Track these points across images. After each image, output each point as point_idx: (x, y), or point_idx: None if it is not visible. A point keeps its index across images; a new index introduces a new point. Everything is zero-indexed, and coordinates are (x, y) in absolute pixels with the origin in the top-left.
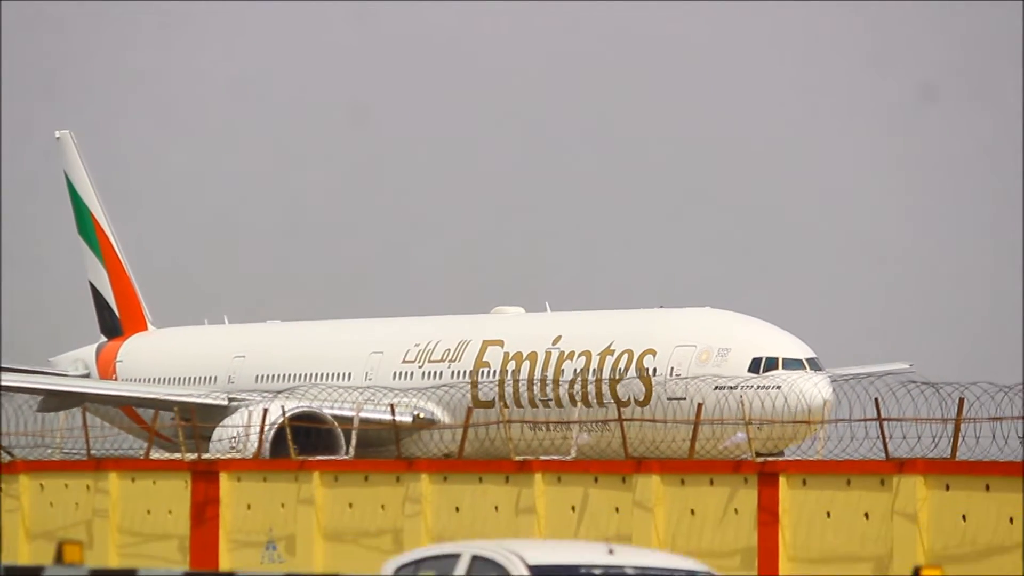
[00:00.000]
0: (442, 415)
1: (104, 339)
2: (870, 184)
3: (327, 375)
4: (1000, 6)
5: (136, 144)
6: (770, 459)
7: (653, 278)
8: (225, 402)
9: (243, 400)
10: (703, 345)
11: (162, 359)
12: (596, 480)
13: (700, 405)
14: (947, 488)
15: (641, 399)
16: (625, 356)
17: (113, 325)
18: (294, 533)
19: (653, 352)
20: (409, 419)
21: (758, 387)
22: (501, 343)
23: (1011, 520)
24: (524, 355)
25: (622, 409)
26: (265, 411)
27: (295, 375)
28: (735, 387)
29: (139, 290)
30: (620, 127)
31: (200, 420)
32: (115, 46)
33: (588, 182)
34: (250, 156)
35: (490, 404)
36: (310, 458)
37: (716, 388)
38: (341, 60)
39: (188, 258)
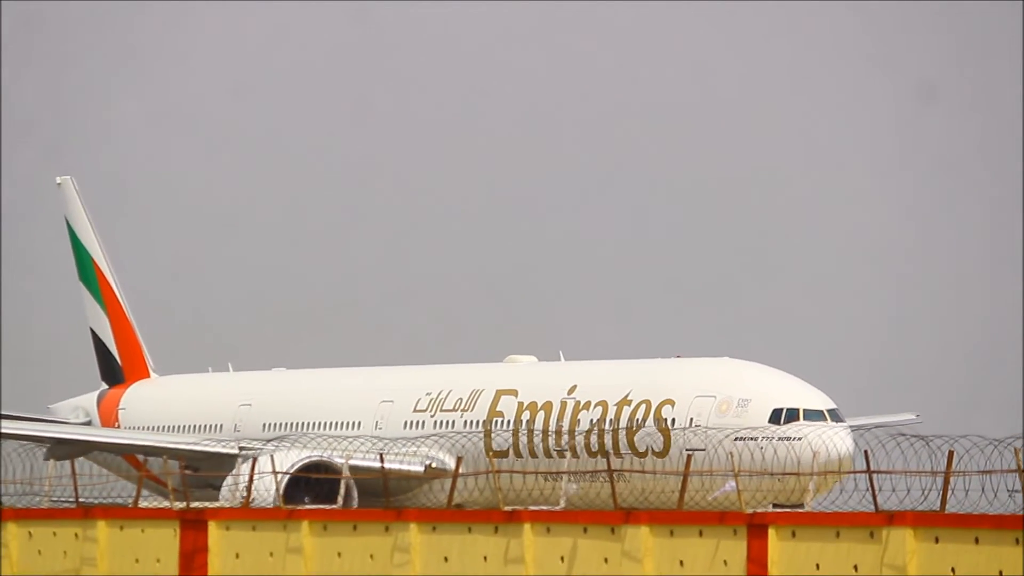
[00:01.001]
0: (454, 465)
1: (105, 386)
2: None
3: (336, 424)
4: (1000, 6)
5: (139, 188)
6: (788, 510)
7: (668, 327)
8: (236, 451)
9: (254, 449)
10: (723, 396)
11: (166, 407)
12: (585, 531)
13: (689, 456)
14: (936, 541)
15: (659, 450)
16: (643, 406)
17: (114, 372)
18: None
19: (672, 402)
20: (421, 469)
21: (779, 438)
22: (515, 392)
23: (1000, 573)
24: (539, 405)
25: (640, 459)
26: (276, 460)
27: (303, 424)
28: (756, 438)
29: (141, 337)
30: (634, 165)
31: (210, 469)
32: (115, 46)
33: (601, 229)
34: (256, 204)
35: (504, 454)
36: (298, 507)
37: (736, 439)
38: (342, 60)
39: (190, 305)
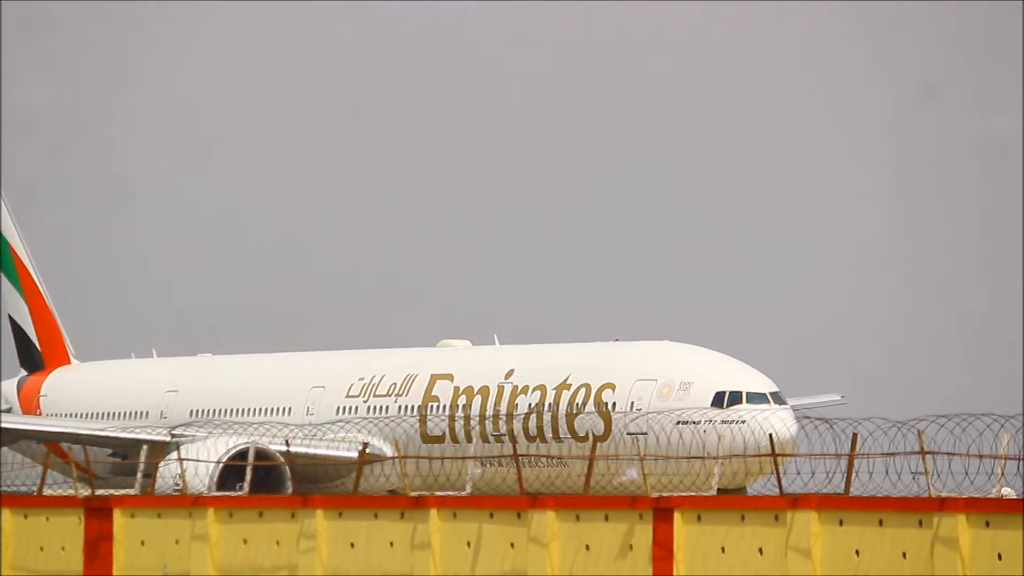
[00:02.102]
0: (390, 450)
1: (25, 373)
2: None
3: (266, 410)
4: (1000, 6)
5: (60, 171)
6: (730, 494)
7: (603, 311)
8: (167, 438)
9: (186, 436)
10: (664, 379)
11: (89, 393)
12: (492, 516)
13: (596, 440)
14: (840, 523)
15: (600, 434)
16: (583, 390)
17: (34, 358)
18: (188, 570)
19: (612, 386)
20: (355, 455)
21: (722, 421)
22: (451, 377)
23: (904, 555)
24: (475, 390)
25: (580, 444)
26: (210, 447)
27: (232, 410)
28: (698, 422)
29: (61, 323)
30: (573, 149)
31: (138, 456)
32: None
33: (534, 211)
34: (182, 182)
35: (440, 439)
36: (206, 494)
37: (679, 423)
38: (342, 60)
39: (112, 291)
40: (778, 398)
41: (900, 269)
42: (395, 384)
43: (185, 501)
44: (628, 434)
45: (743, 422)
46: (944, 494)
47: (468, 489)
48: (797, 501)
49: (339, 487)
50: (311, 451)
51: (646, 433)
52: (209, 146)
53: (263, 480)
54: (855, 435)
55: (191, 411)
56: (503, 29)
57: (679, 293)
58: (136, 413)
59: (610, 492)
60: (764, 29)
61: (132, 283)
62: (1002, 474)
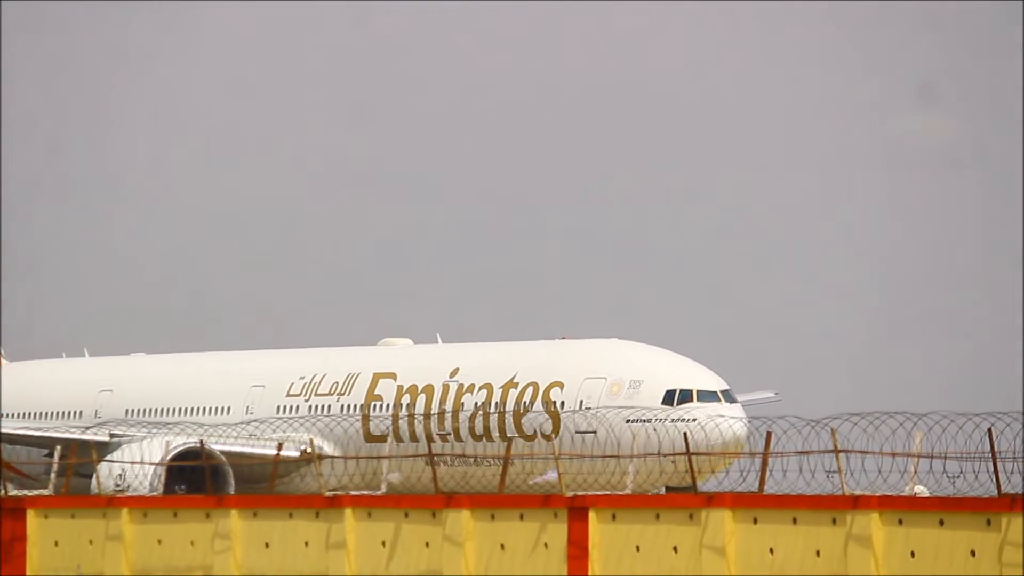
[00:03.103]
0: (332, 449)
1: None
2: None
3: (205, 409)
4: (1000, 6)
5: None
6: (681, 492)
7: (546, 309)
8: (107, 438)
9: (124, 436)
10: (613, 377)
11: (21, 393)
12: (407, 515)
13: (510, 440)
14: (755, 522)
15: (547, 433)
16: (530, 389)
17: None
18: (102, 570)
19: (560, 384)
20: (296, 454)
21: (673, 419)
22: (394, 376)
23: (818, 553)
24: (419, 388)
25: (528, 443)
26: (152, 448)
27: (170, 409)
28: (648, 420)
29: None
30: (512, 152)
31: (78, 456)
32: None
33: (477, 206)
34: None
35: (383, 438)
36: (118, 495)
37: (628, 421)
38: (342, 60)
39: (40, 288)
40: (728, 396)
41: (872, 267)
42: (337, 383)
43: (99, 501)
44: (577, 432)
45: (694, 420)
46: (858, 492)
47: (383, 489)
48: (712, 500)
49: (282, 487)
50: (249, 451)
51: (595, 431)
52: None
53: (202, 480)
54: (769, 433)
55: (127, 411)
56: (502, 29)
57: (622, 291)
58: (70, 413)
59: (525, 492)
60: (763, 29)
61: (63, 281)
62: (915, 472)
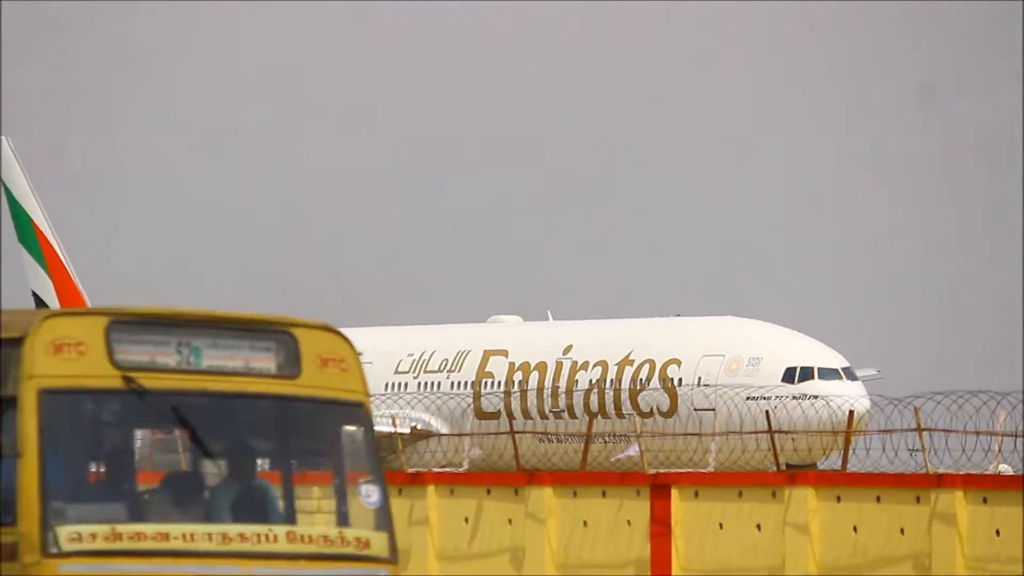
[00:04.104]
0: (441, 427)
1: None
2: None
3: None
4: (1000, 6)
5: (81, 148)
6: (800, 469)
7: (656, 286)
8: None
9: None
10: (732, 354)
11: None
12: (489, 492)
13: (591, 418)
14: (838, 500)
15: (665, 410)
16: (647, 366)
17: None
18: None
19: (678, 362)
20: (408, 431)
21: (793, 397)
22: (505, 353)
23: (902, 531)
24: (532, 366)
25: (645, 420)
26: None
27: None
28: (768, 398)
29: (87, 298)
30: (621, 129)
31: None
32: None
33: (582, 186)
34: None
35: (495, 415)
36: None
37: (748, 399)
38: (343, 60)
39: (137, 264)
40: (849, 373)
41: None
42: (447, 360)
43: None
44: (696, 410)
45: (816, 397)
46: (941, 470)
47: (465, 466)
48: (794, 478)
49: (390, 464)
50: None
51: (714, 409)
52: (270, 120)
53: None
54: (851, 411)
55: None
56: (503, 29)
57: (736, 268)
58: None
59: (607, 468)
60: (763, 29)
61: (161, 254)
62: (999, 451)
